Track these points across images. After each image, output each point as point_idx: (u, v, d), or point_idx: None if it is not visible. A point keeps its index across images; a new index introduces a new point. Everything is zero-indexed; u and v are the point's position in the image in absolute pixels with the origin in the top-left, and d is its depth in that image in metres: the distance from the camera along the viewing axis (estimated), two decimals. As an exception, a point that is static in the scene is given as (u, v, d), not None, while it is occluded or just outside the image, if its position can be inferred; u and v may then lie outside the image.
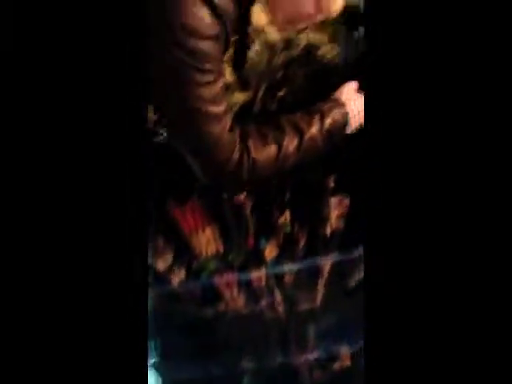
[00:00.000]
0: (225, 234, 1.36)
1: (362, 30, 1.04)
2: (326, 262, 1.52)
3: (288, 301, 1.64)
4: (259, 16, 0.77)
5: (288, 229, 1.32)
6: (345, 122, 0.83)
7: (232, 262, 1.42)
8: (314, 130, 0.81)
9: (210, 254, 1.41)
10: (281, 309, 1.72)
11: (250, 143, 0.77)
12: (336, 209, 1.27)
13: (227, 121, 0.75)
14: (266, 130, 0.80)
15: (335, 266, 1.52)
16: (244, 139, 0.77)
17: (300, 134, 0.80)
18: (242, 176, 0.78)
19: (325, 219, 1.30)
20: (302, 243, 1.37)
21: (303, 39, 1.06)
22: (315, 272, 1.52)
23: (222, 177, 0.79)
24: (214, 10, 0.68)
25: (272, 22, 0.76)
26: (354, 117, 0.85)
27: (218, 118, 0.74)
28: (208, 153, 0.75)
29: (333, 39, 1.10)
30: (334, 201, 1.23)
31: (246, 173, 0.78)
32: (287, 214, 1.27)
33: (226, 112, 0.76)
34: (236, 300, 1.63)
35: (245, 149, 0.76)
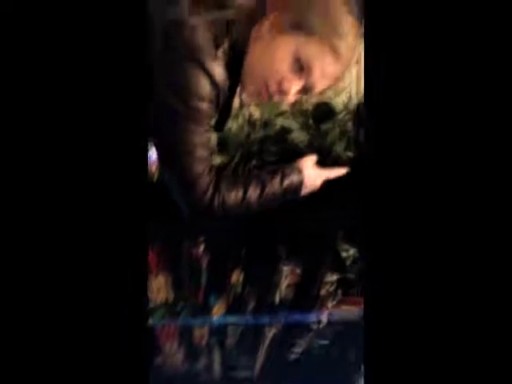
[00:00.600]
0: (177, 284, 1.39)
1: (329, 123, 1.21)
2: (271, 329, 1.55)
3: (226, 365, 1.63)
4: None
5: (239, 289, 1.36)
6: (299, 186, 1.02)
7: (179, 312, 1.43)
8: (274, 186, 1.00)
9: (159, 300, 1.42)
10: (217, 373, 1.71)
11: (222, 186, 0.95)
12: (287, 278, 1.32)
13: (208, 164, 0.94)
14: (236, 179, 1.00)
15: (279, 334, 1.55)
16: (218, 182, 0.95)
17: (262, 187, 0.99)
18: (213, 210, 0.95)
19: (275, 286, 1.34)
20: (250, 305, 1.40)
21: (279, 122, 1.25)
22: (258, 337, 1.54)
23: (199, 207, 0.95)
24: (212, 79, 0.88)
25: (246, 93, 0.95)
26: (308, 183, 1.04)
27: (202, 160, 0.92)
28: (190, 186, 0.93)
29: (304, 127, 1.26)
30: (285, 269, 1.29)
31: (217, 208, 0.95)
32: (240, 276, 1.32)
33: (208, 158, 0.94)
34: (174, 356, 1.62)
35: (217, 189, 0.95)
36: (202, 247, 1.33)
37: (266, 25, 0.86)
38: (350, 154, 1.19)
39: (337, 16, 0.84)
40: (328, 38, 0.83)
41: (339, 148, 1.21)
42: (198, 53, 0.86)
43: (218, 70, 0.88)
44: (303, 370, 1.53)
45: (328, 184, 1.05)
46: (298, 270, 1.30)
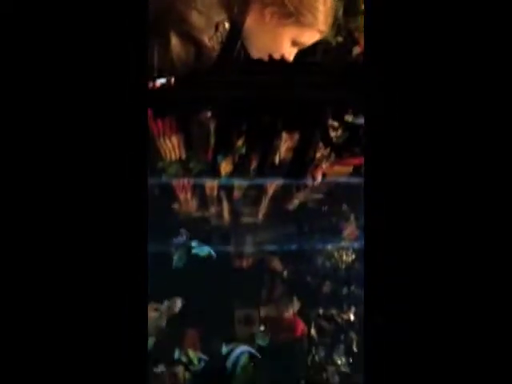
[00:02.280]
0: (188, 145, 1.53)
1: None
2: (272, 185, 1.74)
3: (234, 212, 1.86)
4: None
5: (243, 151, 1.50)
6: None
7: (191, 169, 1.60)
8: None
9: (172, 159, 1.57)
10: (226, 218, 1.95)
11: None
12: (286, 142, 1.46)
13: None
14: None
15: (279, 189, 1.74)
16: None
17: None
18: None
19: (275, 149, 1.49)
20: (253, 165, 1.56)
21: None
22: (261, 191, 1.74)
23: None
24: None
25: None
26: None
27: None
28: None
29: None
30: (285, 135, 1.42)
31: None
32: (243, 139, 1.45)
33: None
34: (188, 203, 1.84)
35: None
36: (209, 114, 1.44)
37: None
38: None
39: None
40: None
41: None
42: None
43: None
44: (300, 218, 1.77)
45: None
46: (297, 136, 1.42)
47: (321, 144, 1.38)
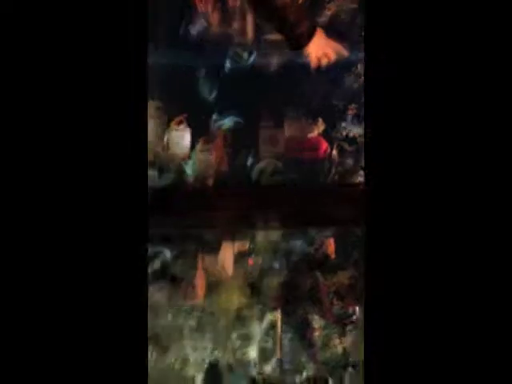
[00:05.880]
0: None
1: None
2: None
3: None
4: None
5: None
6: None
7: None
8: None
9: None
10: (250, 35, 1.84)
11: None
12: None
13: None
14: None
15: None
16: None
17: None
18: None
19: None
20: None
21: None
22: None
23: None
24: None
25: None
26: None
27: None
28: None
29: None
30: None
31: None
32: None
33: None
34: (211, 17, 1.72)
35: None
36: None
37: None
38: None
39: None
40: None
41: None
42: None
43: None
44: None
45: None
46: None
47: None
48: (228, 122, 1.71)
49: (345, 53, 1.15)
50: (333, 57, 1.13)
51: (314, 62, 1.13)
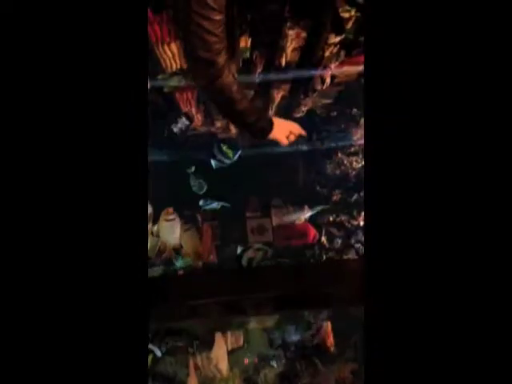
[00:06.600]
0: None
1: None
2: (279, 93, 1.68)
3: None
4: None
5: (247, 54, 1.44)
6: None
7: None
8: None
9: (173, 69, 1.50)
10: (233, 132, 1.92)
11: None
12: (293, 42, 1.39)
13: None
14: None
15: (287, 94, 1.69)
16: None
17: None
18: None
19: (281, 49, 1.42)
20: (258, 70, 1.50)
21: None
22: (268, 98, 1.69)
23: None
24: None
25: None
26: None
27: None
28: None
29: None
30: (291, 33, 1.35)
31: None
32: (247, 41, 1.37)
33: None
34: (196, 117, 1.79)
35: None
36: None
37: None
38: None
39: None
40: None
41: None
42: None
43: None
44: (308, 123, 1.73)
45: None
46: (304, 34, 1.35)
47: (331, 35, 1.30)
48: (215, 206, 1.75)
49: (302, 131, 1.24)
50: (298, 131, 1.22)
51: (283, 143, 1.22)
